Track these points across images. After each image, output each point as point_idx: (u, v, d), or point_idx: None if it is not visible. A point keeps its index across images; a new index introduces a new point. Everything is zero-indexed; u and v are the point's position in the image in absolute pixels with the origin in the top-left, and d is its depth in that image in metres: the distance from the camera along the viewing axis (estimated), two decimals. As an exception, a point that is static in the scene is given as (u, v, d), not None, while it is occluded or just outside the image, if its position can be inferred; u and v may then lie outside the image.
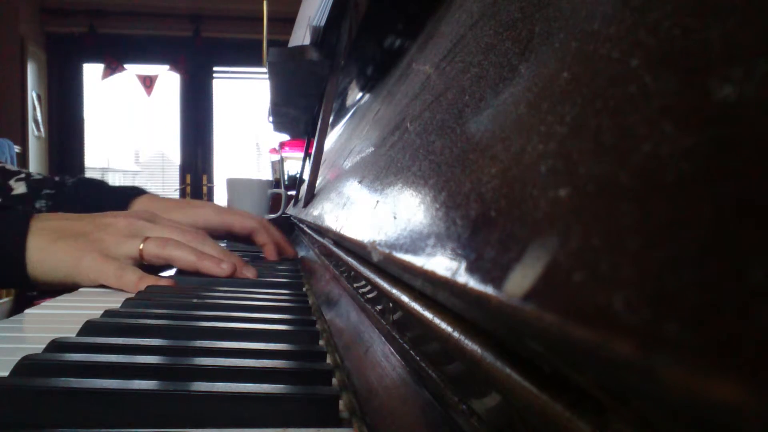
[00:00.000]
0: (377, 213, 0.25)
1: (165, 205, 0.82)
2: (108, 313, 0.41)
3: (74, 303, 0.55)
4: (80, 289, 0.61)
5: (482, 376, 0.13)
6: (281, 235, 0.85)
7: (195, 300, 0.47)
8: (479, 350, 0.14)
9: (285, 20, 1.72)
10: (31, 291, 0.81)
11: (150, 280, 0.56)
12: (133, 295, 0.49)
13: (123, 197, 0.85)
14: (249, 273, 0.64)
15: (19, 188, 0.84)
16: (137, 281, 0.56)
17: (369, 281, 0.27)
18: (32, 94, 3.47)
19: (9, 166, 0.90)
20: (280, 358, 0.31)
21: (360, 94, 0.86)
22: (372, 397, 0.24)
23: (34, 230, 0.60)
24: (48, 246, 0.59)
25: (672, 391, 0.07)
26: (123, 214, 0.65)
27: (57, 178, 0.90)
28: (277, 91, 1.03)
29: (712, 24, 0.09)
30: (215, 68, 3.99)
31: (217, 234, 0.81)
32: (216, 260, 0.61)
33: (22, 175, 0.88)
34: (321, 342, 0.37)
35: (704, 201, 0.07)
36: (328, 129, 1.03)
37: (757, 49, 0.08)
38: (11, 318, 0.46)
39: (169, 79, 3.91)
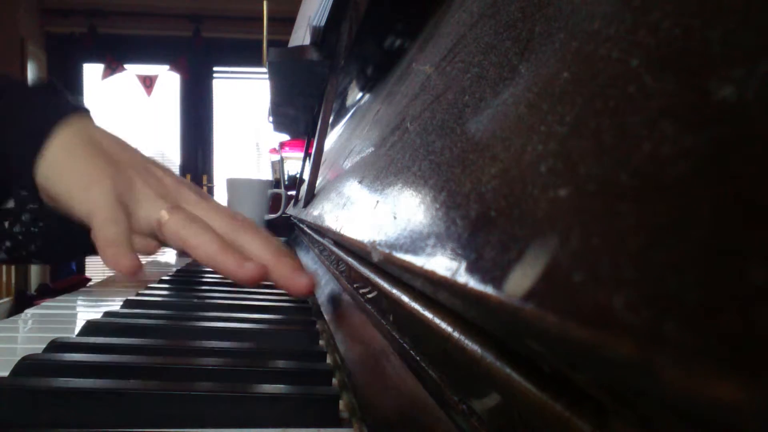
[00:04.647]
0: (377, 213, 0.25)
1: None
2: (108, 314, 0.41)
3: (74, 303, 0.55)
4: (81, 289, 0.61)
5: (482, 376, 0.13)
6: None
7: (195, 300, 0.47)
8: (479, 350, 0.14)
9: (285, 20, 1.72)
10: (30, 196, 0.54)
11: (121, 253, 0.41)
12: (134, 296, 0.49)
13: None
14: (301, 280, 0.42)
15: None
16: (108, 242, 0.42)
17: (369, 281, 0.27)
18: (32, 94, 3.47)
19: None
20: (280, 358, 0.31)
21: (360, 94, 0.86)
22: (372, 397, 0.24)
23: (70, 125, 0.48)
24: (75, 149, 0.47)
25: (672, 391, 0.07)
26: (172, 172, 0.52)
27: None
28: (277, 91, 1.03)
29: (712, 24, 0.09)
30: (215, 68, 3.99)
31: None
32: (240, 258, 0.42)
33: None
34: (321, 342, 0.37)
35: (704, 201, 0.07)
36: (328, 129, 1.03)
37: (757, 49, 0.08)
38: (11, 318, 0.46)
39: (169, 79, 3.91)
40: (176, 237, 0.45)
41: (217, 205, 0.50)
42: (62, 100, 0.51)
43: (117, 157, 0.48)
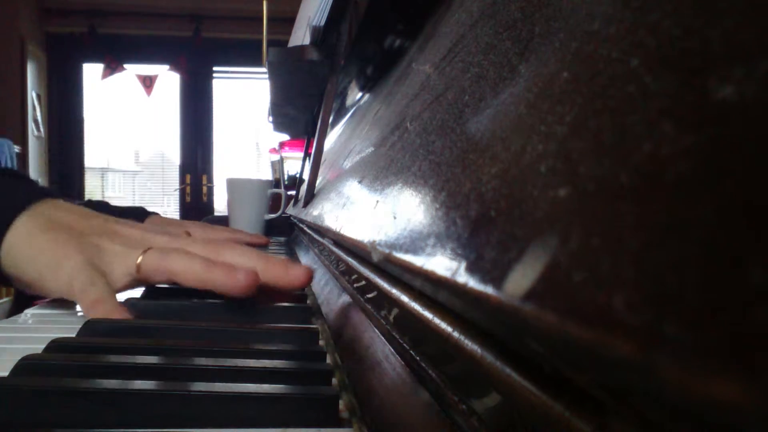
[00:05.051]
0: (377, 213, 0.25)
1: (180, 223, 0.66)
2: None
3: (74, 303, 0.55)
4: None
5: (482, 376, 0.13)
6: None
7: (195, 300, 0.47)
8: (479, 350, 0.14)
9: (285, 20, 1.72)
10: (3, 285, 0.55)
11: (109, 307, 0.41)
12: (138, 296, 0.49)
13: (133, 217, 0.63)
14: (296, 272, 0.44)
15: None
16: (92, 302, 0.42)
17: (369, 281, 0.27)
18: (32, 94, 3.47)
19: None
20: (280, 358, 0.31)
21: (360, 94, 0.86)
22: (372, 397, 0.24)
23: (31, 212, 0.49)
24: (35, 234, 0.47)
25: (672, 390, 0.07)
26: (138, 224, 0.53)
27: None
28: (277, 91, 1.03)
29: (712, 24, 0.09)
30: (215, 68, 3.99)
31: None
32: (229, 269, 0.42)
33: None
34: (321, 342, 0.37)
35: (704, 201, 0.07)
36: (328, 129, 1.03)
37: (757, 49, 0.08)
38: (11, 318, 0.46)
39: (169, 79, 3.91)
40: (158, 270, 0.45)
41: (190, 238, 0.51)
42: (22, 189, 0.52)
43: (80, 228, 0.49)
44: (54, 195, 0.53)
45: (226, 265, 0.43)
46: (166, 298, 0.48)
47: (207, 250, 0.47)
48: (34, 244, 0.47)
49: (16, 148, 3.13)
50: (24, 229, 0.48)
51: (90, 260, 0.46)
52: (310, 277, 0.45)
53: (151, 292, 0.50)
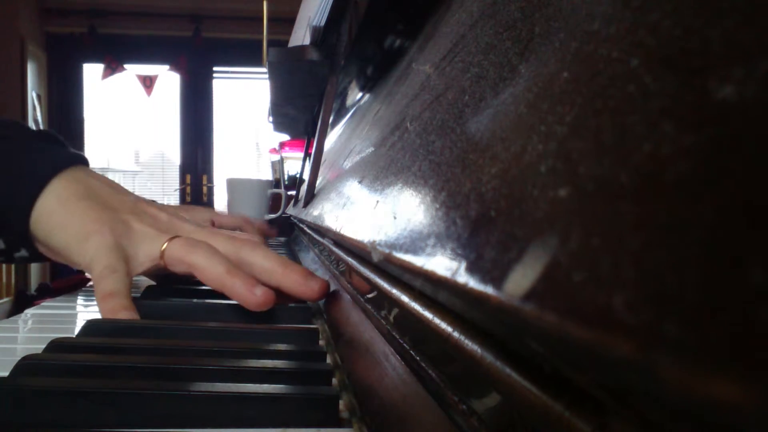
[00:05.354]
0: (377, 213, 0.25)
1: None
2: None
3: (74, 303, 0.55)
4: (81, 289, 0.61)
5: (482, 376, 0.13)
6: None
7: (194, 300, 0.47)
8: (479, 350, 0.14)
9: (285, 20, 1.72)
10: (25, 247, 0.50)
11: (120, 304, 0.41)
12: (138, 294, 0.49)
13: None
14: (314, 285, 0.43)
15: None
16: (105, 293, 0.41)
17: (369, 281, 0.27)
18: (32, 94, 3.47)
19: None
20: (280, 358, 0.31)
21: (360, 94, 0.86)
22: (372, 397, 0.24)
23: (66, 176, 0.49)
24: (70, 200, 0.47)
25: (672, 390, 0.07)
26: (165, 207, 0.54)
27: None
28: (277, 91, 1.03)
29: (712, 24, 0.09)
30: (215, 68, 3.99)
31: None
32: (249, 282, 0.41)
33: None
34: (321, 342, 0.37)
35: (704, 201, 0.07)
36: (328, 129, 1.03)
37: (757, 49, 0.08)
38: (11, 318, 0.46)
39: (169, 79, 3.91)
40: (181, 262, 0.45)
41: (215, 230, 0.51)
42: (59, 151, 0.52)
43: (111, 203, 0.49)
44: (85, 161, 0.54)
45: (248, 277, 0.42)
46: (166, 298, 0.48)
47: (230, 246, 0.46)
48: (68, 210, 0.47)
49: (16, 148, 3.12)
50: (60, 193, 0.48)
51: (118, 240, 0.46)
52: (326, 291, 0.44)
53: (152, 291, 0.50)
